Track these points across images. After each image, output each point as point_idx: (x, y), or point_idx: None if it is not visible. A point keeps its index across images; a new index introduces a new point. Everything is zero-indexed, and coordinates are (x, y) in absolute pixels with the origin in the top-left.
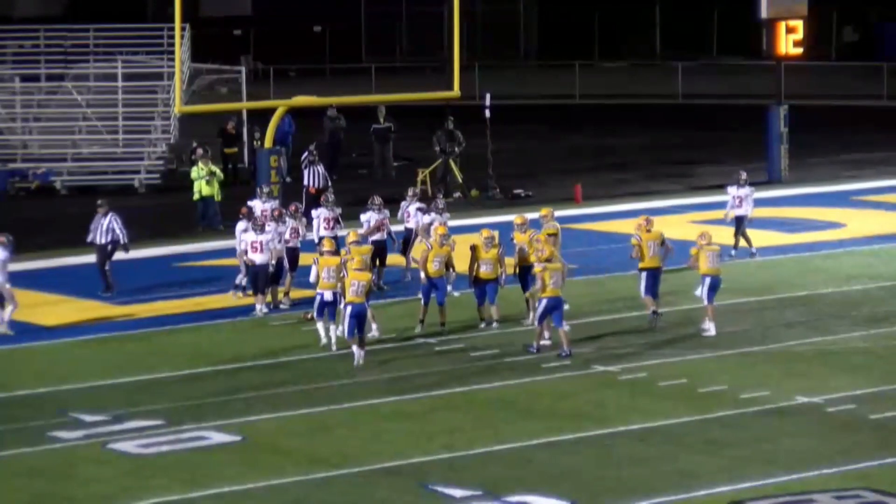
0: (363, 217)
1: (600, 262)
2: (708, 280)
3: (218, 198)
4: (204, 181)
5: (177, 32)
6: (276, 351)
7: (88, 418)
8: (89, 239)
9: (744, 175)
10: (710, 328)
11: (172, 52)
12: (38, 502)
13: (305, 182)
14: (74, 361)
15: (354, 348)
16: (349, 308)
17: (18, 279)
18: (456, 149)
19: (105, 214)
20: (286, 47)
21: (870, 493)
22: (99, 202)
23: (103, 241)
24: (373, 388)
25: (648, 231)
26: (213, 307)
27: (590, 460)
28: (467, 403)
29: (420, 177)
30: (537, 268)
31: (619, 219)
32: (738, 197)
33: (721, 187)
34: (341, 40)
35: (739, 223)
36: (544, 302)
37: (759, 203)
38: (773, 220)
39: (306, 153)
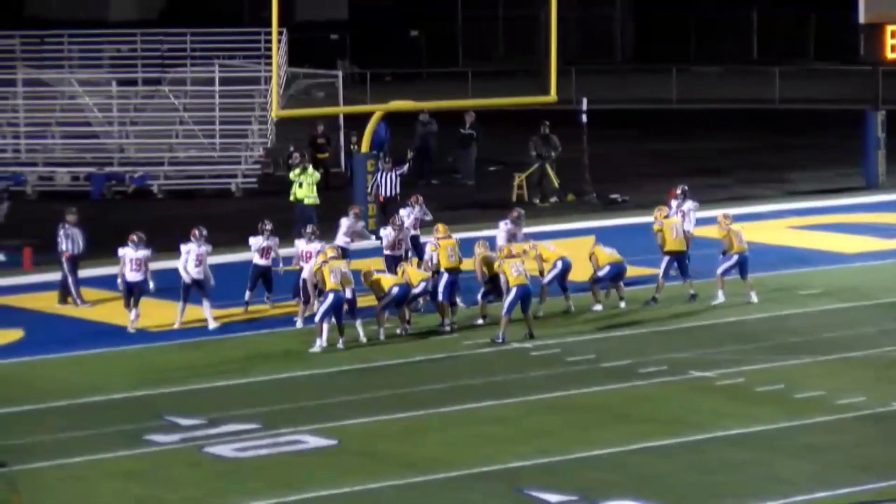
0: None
1: (697, 266)
2: (735, 257)
3: (310, 201)
4: (297, 185)
5: (273, 36)
6: (372, 355)
7: (184, 422)
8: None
9: (686, 188)
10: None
11: (269, 57)
12: None
13: (379, 190)
14: (169, 365)
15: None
16: (331, 296)
17: (113, 283)
18: (552, 153)
19: (75, 224)
20: (382, 51)
21: None
22: (72, 210)
23: (75, 250)
24: (467, 393)
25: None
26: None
27: (684, 465)
28: (562, 408)
29: (517, 181)
30: (496, 263)
31: (716, 224)
32: (681, 212)
33: (820, 193)
34: (438, 44)
35: None
36: (515, 291)
37: (856, 209)
38: (869, 225)
39: (408, 162)
